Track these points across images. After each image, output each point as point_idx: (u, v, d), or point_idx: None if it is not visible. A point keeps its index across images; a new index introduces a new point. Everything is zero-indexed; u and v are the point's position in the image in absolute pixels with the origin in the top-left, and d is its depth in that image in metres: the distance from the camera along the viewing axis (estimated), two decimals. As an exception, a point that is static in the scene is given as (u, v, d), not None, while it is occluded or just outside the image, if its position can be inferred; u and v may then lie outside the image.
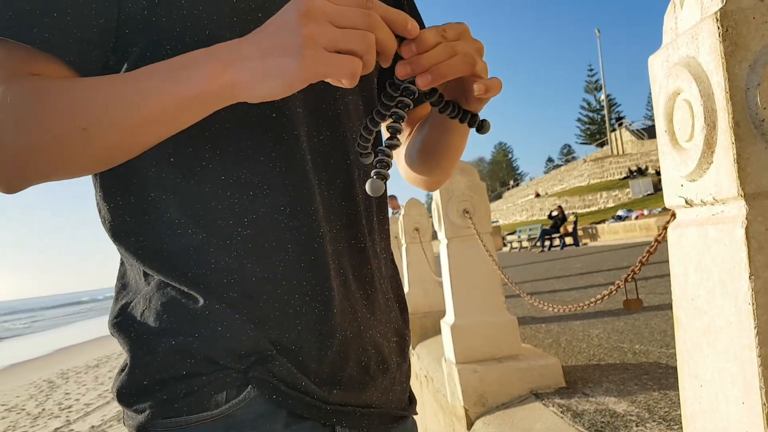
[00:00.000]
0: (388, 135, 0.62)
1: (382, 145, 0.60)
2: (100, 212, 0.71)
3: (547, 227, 22.67)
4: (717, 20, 0.83)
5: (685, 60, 0.93)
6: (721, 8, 0.84)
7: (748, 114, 0.84)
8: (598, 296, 1.79)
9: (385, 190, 0.78)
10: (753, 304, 0.88)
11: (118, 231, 0.68)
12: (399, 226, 6.44)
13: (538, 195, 42.93)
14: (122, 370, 0.69)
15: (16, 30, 0.58)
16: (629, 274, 1.55)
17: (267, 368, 0.65)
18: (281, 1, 0.68)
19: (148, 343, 0.65)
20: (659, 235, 1.62)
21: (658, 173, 31.44)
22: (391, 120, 0.61)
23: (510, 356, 3.32)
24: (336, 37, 0.53)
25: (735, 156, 0.85)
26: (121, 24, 0.64)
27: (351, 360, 0.71)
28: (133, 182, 0.67)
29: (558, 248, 21.37)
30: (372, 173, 0.58)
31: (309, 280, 0.68)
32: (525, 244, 25.69)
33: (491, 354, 3.32)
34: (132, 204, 0.68)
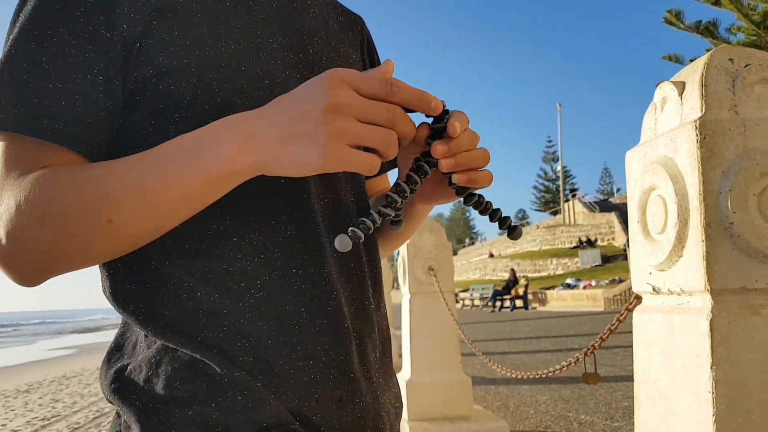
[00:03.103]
0: (385, 203, 0.63)
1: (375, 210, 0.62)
2: (101, 277, 0.68)
3: (499, 288, 22.97)
4: (696, 128, 0.91)
5: (662, 159, 1.01)
6: (701, 117, 0.93)
7: (719, 216, 0.91)
8: (558, 366, 1.84)
9: (376, 246, 0.81)
10: (713, 392, 0.94)
11: (118, 297, 0.65)
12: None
13: (491, 255, 43.59)
14: None
15: (26, 124, 0.58)
16: (590, 349, 1.61)
17: None
18: (285, 67, 0.69)
19: (159, 412, 0.60)
20: (621, 315, 1.69)
21: (605, 246, 32.41)
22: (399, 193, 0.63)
23: (462, 417, 3.33)
24: (360, 134, 0.54)
25: (704, 253, 0.92)
26: (126, 95, 0.63)
27: (369, 428, 0.69)
28: (134, 251, 0.63)
29: (508, 309, 21.62)
30: (348, 230, 0.59)
31: (323, 345, 0.66)
32: (477, 302, 25.92)
33: (443, 413, 3.32)
34: (133, 271, 0.65)
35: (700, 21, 8.02)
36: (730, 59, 0.95)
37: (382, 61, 0.91)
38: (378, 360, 0.74)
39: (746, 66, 0.95)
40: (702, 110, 0.93)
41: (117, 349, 0.69)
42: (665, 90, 1.02)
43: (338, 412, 0.66)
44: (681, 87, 0.98)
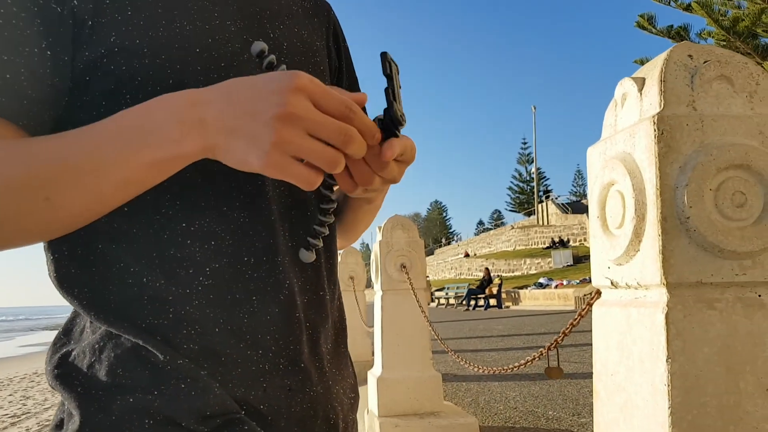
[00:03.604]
0: (320, 210, 0.66)
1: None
2: (45, 260, 0.66)
3: (474, 287, 23.13)
4: (654, 123, 0.92)
5: (621, 155, 1.02)
6: (659, 113, 0.93)
7: (675, 210, 0.92)
8: (522, 361, 1.85)
9: (335, 237, 0.82)
10: (668, 385, 0.95)
11: (63, 281, 0.63)
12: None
13: (467, 255, 43.88)
14: (57, 426, 0.62)
15: None
16: (552, 344, 1.62)
17: None
18: (243, 51, 0.67)
19: (100, 399, 0.59)
20: (583, 310, 1.70)
21: (577, 246, 32.86)
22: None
23: (432, 413, 3.34)
24: (304, 149, 0.53)
25: (661, 247, 0.93)
26: (76, 74, 0.61)
27: (320, 418, 0.68)
28: (80, 233, 0.62)
29: (482, 308, 21.77)
30: (308, 241, 0.64)
31: (273, 334, 0.65)
32: (452, 301, 26.05)
33: (413, 409, 3.33)
34: (78, 255, 0.63)
35: (672, 26, 8.15)
36: (689, 55, 0.96)
37: (349, 46, 0.90)
38: (330, 351, 0.73)
39: (705, 62, 0.96)
40: (660, 106, 0.94)
41: (65, 334, 0.68)
42: (625, 86, 1.03)
43: (287, 401, 0.65)
44: (641, 83, 0.99)
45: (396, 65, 0.60)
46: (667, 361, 0.95)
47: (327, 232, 0.65)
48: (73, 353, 0.64)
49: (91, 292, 0.62)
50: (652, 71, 0.97)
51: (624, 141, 1.00)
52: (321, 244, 0.66)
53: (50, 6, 0.59)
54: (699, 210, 0.92)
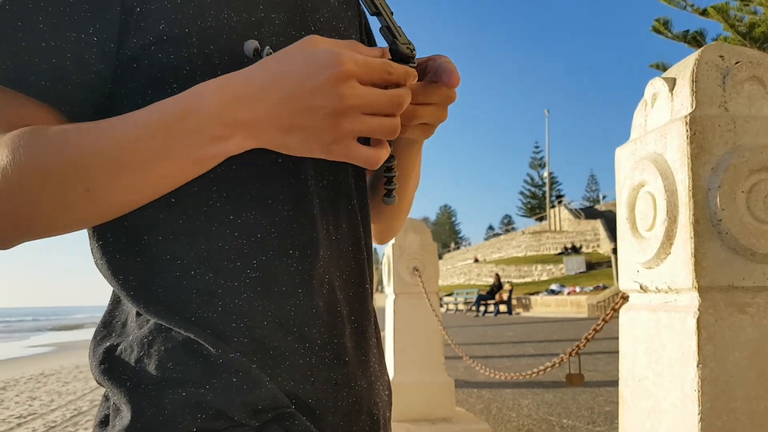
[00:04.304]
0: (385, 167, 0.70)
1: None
2: (90, 246, 0.66)
3: (484, 293, 23.05)
4: (686, 123, 0.91)
5: (652, 155, 1.01)
6: (691, 113, 0.92)
7: (707, 212, 0.91)
8: (541, 367, 1.83)
9: (369, 231, 0.82)
10: (698, 390, 0.93)
11: (109, 268, 0.63)
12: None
13: (476, 260, 43.74)
14: (102, 423, 0.62)
15: (12, 79, 0.56)
16: (574, 349, 1.60)
17: (285, 427, 0.60)
18: (287, 43, 0.66)
19: (150, 394, 0.58)
20: (607, 315, 1.68)
21: (590, 253, 32.65)
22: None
23: (443, 418, 3.32)
24: (366, 131, 0.55)
25: (693, 250, 0.92)
26: (123, 62, 0.61)
27: (364, 413, 0.68)
28: (124, 224, 0.62)
29: (492, 314, 21.69)
30: (384, 195, 0.70)
31: (319, 327, 0.65)
32: (461, 307, 25.97)
33: (425, 414, 3.31)
34: (124, 243, 0.63)
35: (688, 30, 8.11)
36: (721, 56, 0.95)
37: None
38: (373, 346, 0.73)
39: (736, 63, 0.94)
40: (692, 106, 0.93)
41: (104, 326, 0.67)
42: (656, 86, 1.01)
43: (333, 395, 0.65)
44: (672, 83, 0.97)
45: None
46: (697, 366, 0.93)
47: (397, 174, 0.68)
48: (119, 347, 0.63)
49: (137, 281, 0.62)
50: (683, 71, 0.96)
51: (655, 141, 0.98)
52: (397, 186, 0.69)
53: None
54: (731, 212, 0.90)
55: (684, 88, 0.95)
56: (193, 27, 0.61)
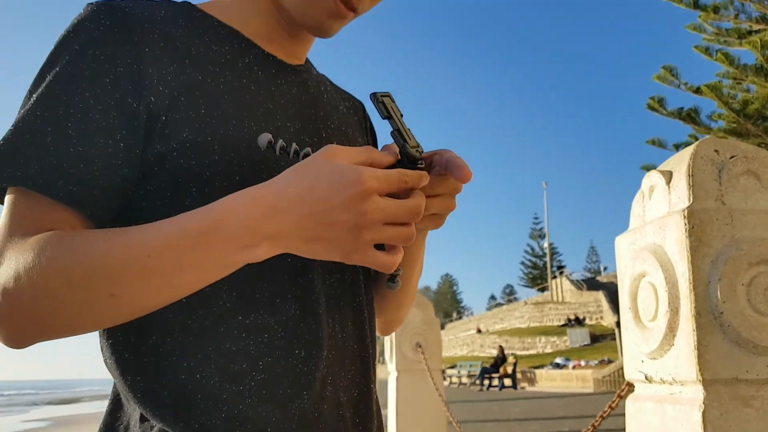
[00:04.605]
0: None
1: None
2: (100, 344, 0.67)
3: (488, 365, 22.56)
4: (684, 217, 0.93)
5: (651, 246, 1.02)
6: (689, 206, 0.94)
7: (708, 305, 0.92)
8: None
9: (374, 326, 0.82)
10: (708, 488, 0.91)
11: (118, 368, 0.64)
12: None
13: (479, 331, 43.07)
14: None
15: (41, 183, 0.57)
16: (580, 436, 1.56)
17: None
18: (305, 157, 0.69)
19: None
20: (613, 402, 1.66)
21: (594, 325, 32.19)
22: None
23: (446, 504, 3.19)
24: (385, 239, 0.58)
25: (696, 343, 0.92)
26: (146, 165, 0.63)
27: None
28: (133, 322, 0.62)
29: (497, 388, 21.15)
30: (389, 281, 0.70)
31: (324, 431, 0.65)
32: (464, 380, 25.37)
33: (428, 499, 3.18)
34: (131, 342, 0.64)
35: (682, 108, 8.31)
36: (716, 150, 0.98)
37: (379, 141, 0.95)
38: None
39: (731, 157, 0.98)
40: (690, 200, 0.95)
41: (107, 429, 0.67)
42: (653, 179, 1.04)
43: None
44: (668, 176, 1.00)
45: (388, 98, 0.64)
46: (706, 461, 0.91)
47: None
48: None
49: (144, 382, 0.62)
50: (679, 165, 0.99)
51: (654, 233, 1.00)
52: (402, 271, 0.70)
53: (127, 101, 0.62)
54: (732, 305, 0.91)
55: (681, 181, 0.98)
56: (215, 135, 0.64)
